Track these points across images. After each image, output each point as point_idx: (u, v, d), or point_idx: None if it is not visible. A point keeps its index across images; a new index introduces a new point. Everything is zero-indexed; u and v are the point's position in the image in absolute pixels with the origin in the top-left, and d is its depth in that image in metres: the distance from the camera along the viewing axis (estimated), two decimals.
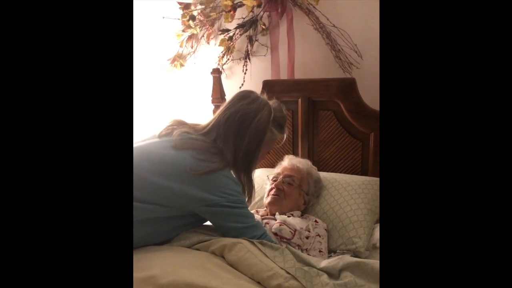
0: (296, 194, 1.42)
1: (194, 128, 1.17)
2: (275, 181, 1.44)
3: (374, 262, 0.96)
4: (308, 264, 0.98)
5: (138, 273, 0.86)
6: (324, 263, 0.99)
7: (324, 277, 0.92)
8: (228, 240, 0.99)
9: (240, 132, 1.10)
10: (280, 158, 1.63)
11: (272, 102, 1.20)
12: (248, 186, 1.14)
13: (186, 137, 1.10)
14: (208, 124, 1.16)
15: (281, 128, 1.22)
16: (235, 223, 1.04)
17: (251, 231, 1.05)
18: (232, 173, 1.11)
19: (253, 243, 0.99)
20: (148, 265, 0.89)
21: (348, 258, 0.98)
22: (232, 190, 1.05)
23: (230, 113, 1.12)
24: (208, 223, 1.15)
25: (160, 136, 1.14)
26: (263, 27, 1.85)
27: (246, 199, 1.16)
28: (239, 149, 1.09)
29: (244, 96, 1.15)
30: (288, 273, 0.90)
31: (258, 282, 0.91)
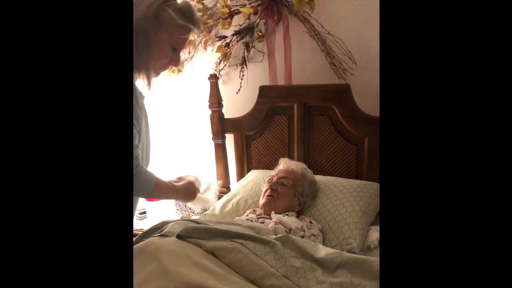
0: (290, 195, 1.45)
1: None
2: (270, 182, 1.49)
3: (373, 260, 0.97)
4: (304, 253, 0.97)
5: (136, 273, 0.87)
6: (323, 253, 0.99)
7: (319, 272, 0.91)
8: (217, 243, 0.98)
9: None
10: (277, 160, 1.68)
11: None
12: (147, 76, 1.04)
13: None
14: None
15: (184, 15, 1.05)
16: None
17: None
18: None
19: (241, 243, 0.98)
20: (145, 263, 0.90)
21: (347, 255, 0.99)
22: None
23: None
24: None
25: None
26: (260, 34, 1.88)
27: (148, 89, 1.09)
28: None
29: None
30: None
31: (252, 282, 0.91)
